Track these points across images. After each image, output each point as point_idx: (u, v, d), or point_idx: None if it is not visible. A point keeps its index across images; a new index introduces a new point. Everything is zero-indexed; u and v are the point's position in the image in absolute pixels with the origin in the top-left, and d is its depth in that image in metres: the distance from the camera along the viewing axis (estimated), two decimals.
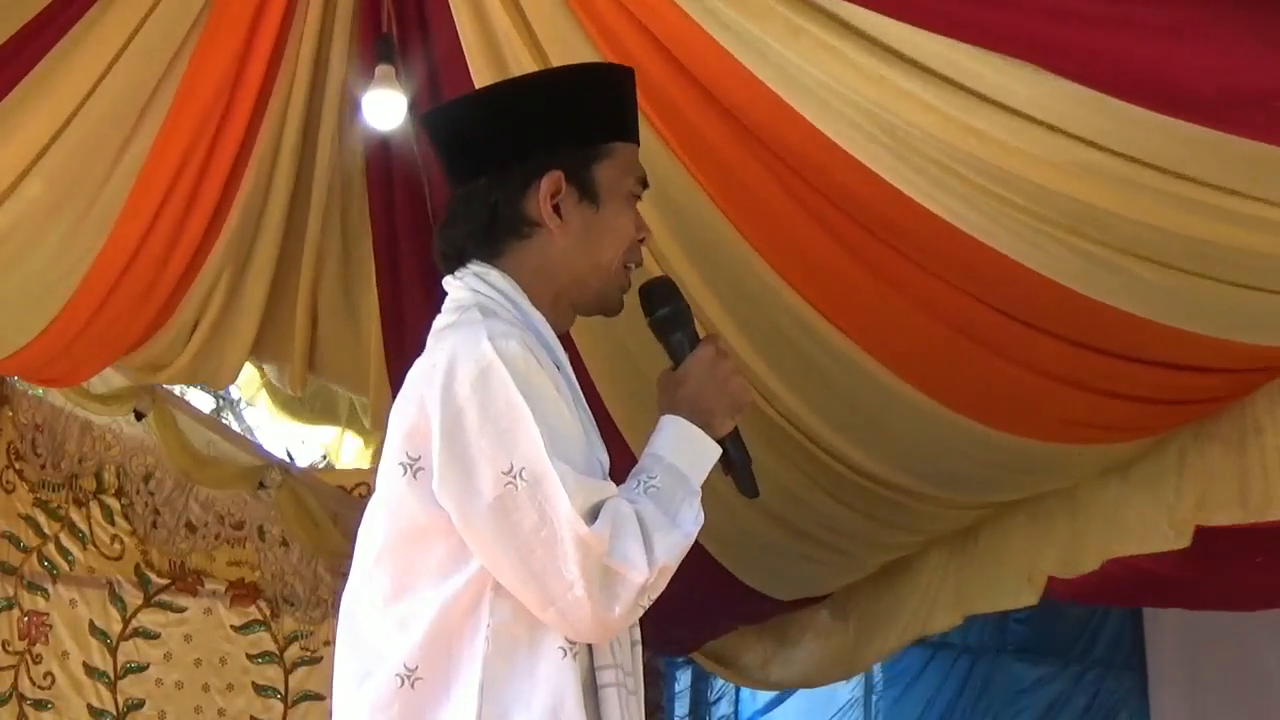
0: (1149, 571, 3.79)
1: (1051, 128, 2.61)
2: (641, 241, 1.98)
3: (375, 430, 4.76)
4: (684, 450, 1.81)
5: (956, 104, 2.64)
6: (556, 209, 1.91)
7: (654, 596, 1.73)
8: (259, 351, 4.22)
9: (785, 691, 5.90)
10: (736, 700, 6.36)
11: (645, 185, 1.99)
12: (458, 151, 2.00)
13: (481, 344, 1.75)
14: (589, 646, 1.76)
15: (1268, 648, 5.01)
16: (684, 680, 6.26)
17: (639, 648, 1.86)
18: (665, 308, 1.94)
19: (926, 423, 3.60)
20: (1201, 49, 2.39)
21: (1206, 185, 2.62)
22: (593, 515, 1.70)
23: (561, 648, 1.73)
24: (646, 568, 1.69)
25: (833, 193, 3.11)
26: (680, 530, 1.74)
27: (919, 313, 3.31)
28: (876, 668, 5.85)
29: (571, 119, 1.95)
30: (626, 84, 2.03)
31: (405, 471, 1.78)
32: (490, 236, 1.92)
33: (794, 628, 5.11)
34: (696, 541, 1.87)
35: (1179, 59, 2.41)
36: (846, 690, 5.97)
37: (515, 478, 1.70)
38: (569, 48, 3.06)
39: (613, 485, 1.76)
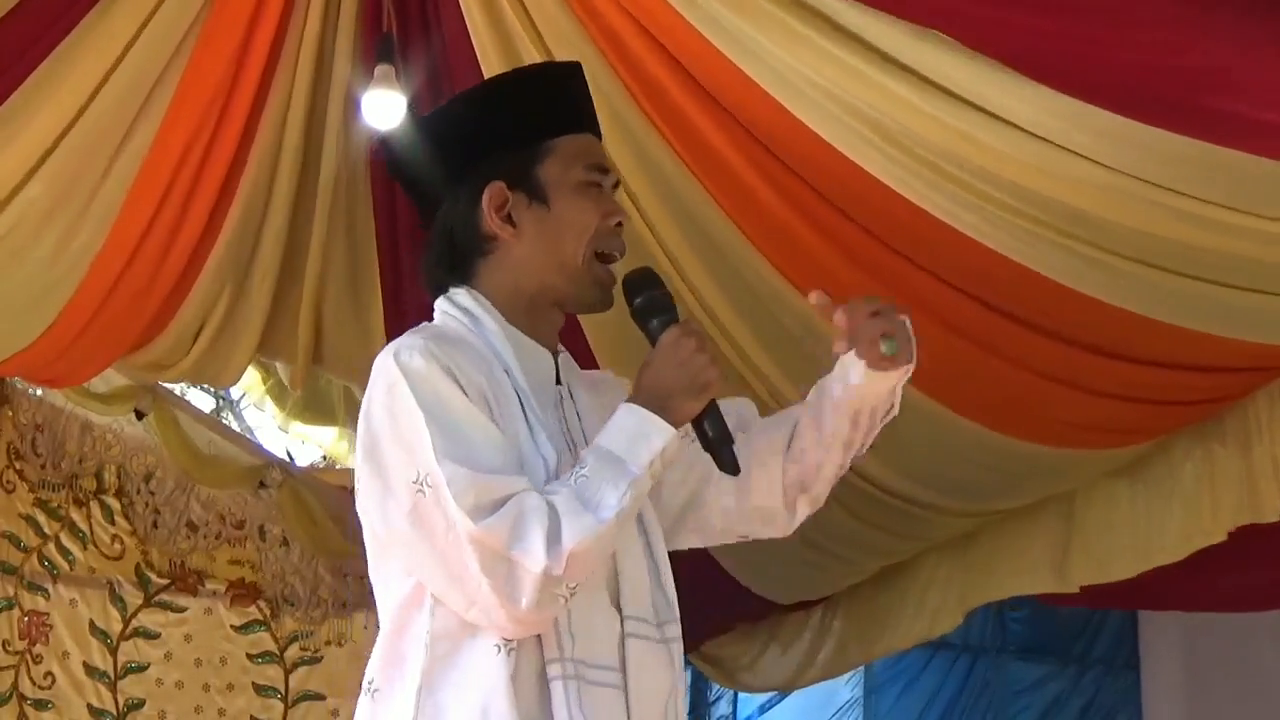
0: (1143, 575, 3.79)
1: (1045, 140, 2.63)
2: (618, 226, 1.96)
3: None
4: (623, 435, 1.78)
5: (952, 112, 2.66)
6: (510, 219, 1.92)
7: (572, 585, 1.71)
8: (263, 348, 4.22)
9: (784, 691, 5.91)
10: (735, 700, 6.36)
11: (603, 170, 1.97)
12: (415, 187, 2.04)
13: (388, 361, 1.81)
14: (538, 640, 1.76)
15: (1266, 648, 5.01)
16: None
17: (635, 640, 1.83)
18: (640, 296, 1.91)
19: (930, 425, 3.60)
20: (1186, 56, 2.40)
21: (1193, 198, 2.65)
22: (489, 511, 1.70)
23: (496, 645, 1.74)
24: (544, 557, 1.68)
25: (830, 195, 3.13)
26: (593, 515, 1.71)
27: (919, 313, 3.31)
28: (877, 668, 5.85)
29: (505, 127, 1.96)
30: (565, 78, 2.04)
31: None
32: (455, 261, 1.96)
33: (788, 629, 5.11)
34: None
35: (1164, 66, 2.43)
36: (846, 690, 5.97)
37: (422, 485, 1.74)
38: (574, 50, 3.08)
39: (524, 481, 1.75)
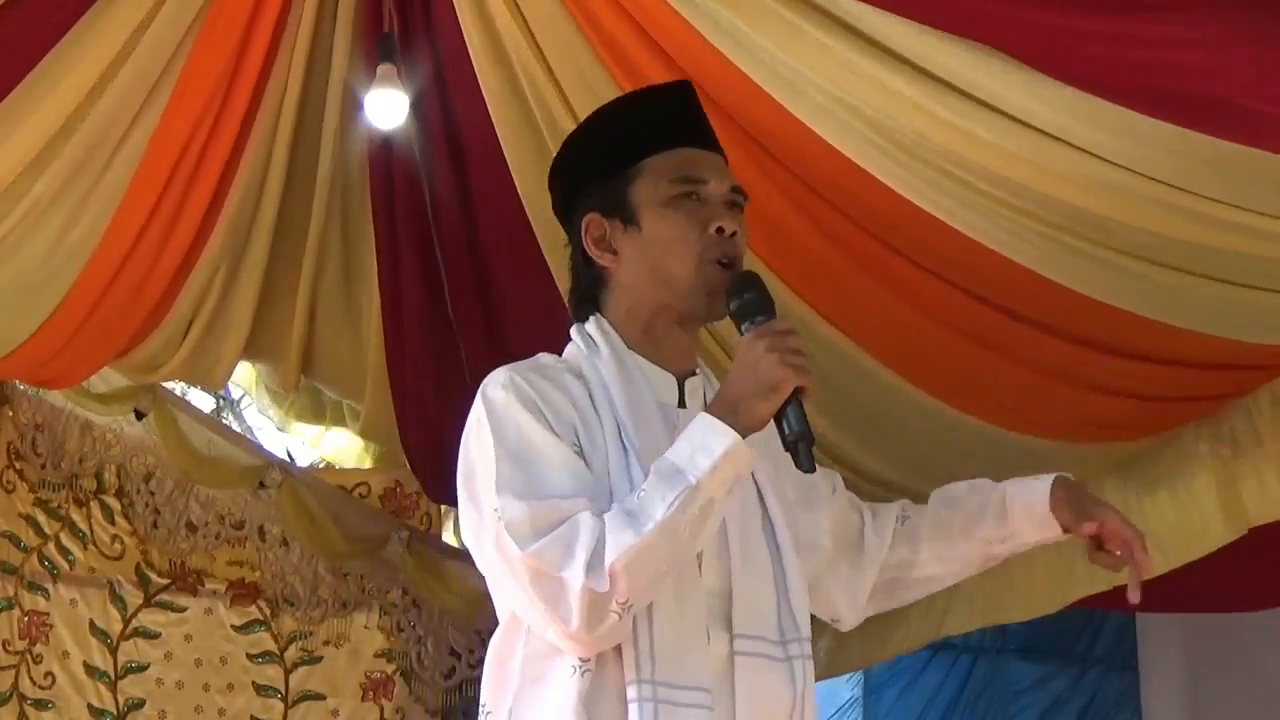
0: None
1: (1049, 136, 2.63)
2: (719, 232, 1.95)
3: (367, 438, 4.76)
4: (688, 446, 1.78)
5: (957, 109, 2.65)
6: (611, 248, 1.97)
7: (622, 601, 1.72)
8: (252, 350, 4.21)
9: None
10: None
11: (695, 180, 1.97)
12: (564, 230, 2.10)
13: (478, 395, 1.89)
14: (620, 661, 1.78)
15: (1266, 648, 5.00)
16: None
17: (746, 658, 1.84)
18: (734, 301, 1.91)
19: (929, 420, 3.59)
20: (1202, 51, 2.40)
21: (1205, 198, 2.64)
22: (544, 535, 1.74)
23: (573, 665, 1.78)
24: (584, 575, 1.70)
25: (830, 194, 3.12)
26: (634, 529, 1.72)
27: (919, 314, 3.32)
28: (877, 667, 5.84)
29: (597, 158, 2.01)
30: (657, 99, 2.08)
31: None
32: (583, 294, 2.03)
33: None
34: None
35: (1180, 62, 2.43)
36: (847, 690, 5.97)
37: (500, 513, 1.79)
38: (568, 49, 3.07)
39: (583, 503, 1.77)
